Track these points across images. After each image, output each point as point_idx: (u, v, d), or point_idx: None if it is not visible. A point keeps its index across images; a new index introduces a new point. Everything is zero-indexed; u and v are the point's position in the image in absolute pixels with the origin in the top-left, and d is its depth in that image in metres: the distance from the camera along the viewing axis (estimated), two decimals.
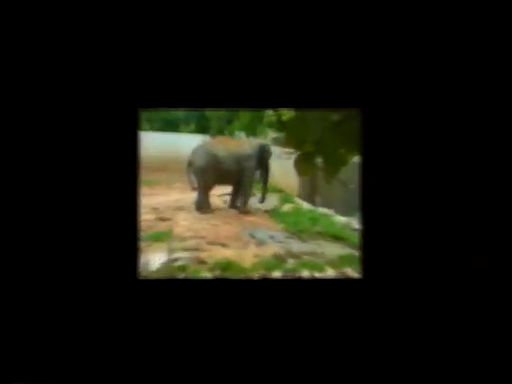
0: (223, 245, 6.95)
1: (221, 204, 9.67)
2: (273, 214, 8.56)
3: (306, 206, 9.55)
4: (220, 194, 11.85)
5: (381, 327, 3.70)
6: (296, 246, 6.64)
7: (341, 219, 7.69)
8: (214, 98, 4.16)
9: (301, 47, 3.83)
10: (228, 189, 11.54)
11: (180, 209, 8.72)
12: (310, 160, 3.73)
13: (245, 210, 8.82)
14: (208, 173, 8.87)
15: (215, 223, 8.00)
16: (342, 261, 5.27)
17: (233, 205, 9.07)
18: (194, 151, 8.94)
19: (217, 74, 3.97)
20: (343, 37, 3.74)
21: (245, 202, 8.88)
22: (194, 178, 8.96)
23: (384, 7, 3.76)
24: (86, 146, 3.91)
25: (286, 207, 8.91)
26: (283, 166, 12.51)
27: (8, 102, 3.80)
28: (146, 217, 7.07)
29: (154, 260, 5.92)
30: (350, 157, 3.32)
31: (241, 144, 9.34)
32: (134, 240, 4.04)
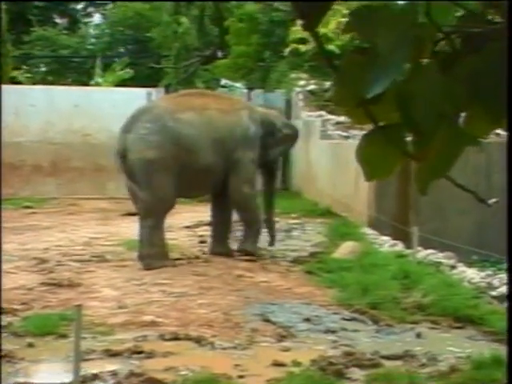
0: (200, 340, 4.66)
1: (191, 245, 8.07)
2: (311, 265, 6.86)
3: (386, 245, 7.66)
4: (193, 223, 10.22)
5: None
6: (367, 338, 4.77)
7: (468, 275, 5.80)
8: None
9: None
10: (203, 211, 9.68)
11: (98, 259, 7.12)
12: (396, 142, 1.30)
13: (248, 253, 7.20)
14: (164, 172, 6.70)
15: (181, 290, 5.89)
16: (478, 370, 4.00)
17: (218, 245, 7.42)
18: (130, 125, 6.78)
19: None
20: None
21: (246, 238, 7.40)
22: (131, 186, 6.96)
23: None
24: None
25: (344, 249, 7.18)
26: (333, 157, 11.01)
27: None
28: (18, 278, 6.08)
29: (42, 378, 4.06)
30: (489, 128, 1.23)
31: (232, 107, 7.42)
32: None
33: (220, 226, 7.31)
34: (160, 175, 6.61)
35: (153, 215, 6.65)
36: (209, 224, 7.76)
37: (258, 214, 7.34)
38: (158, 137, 6.65)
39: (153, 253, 6.61)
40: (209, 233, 7.76)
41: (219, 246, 7.26)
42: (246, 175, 7.08)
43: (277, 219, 9.89)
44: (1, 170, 11.14)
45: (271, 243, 7.45)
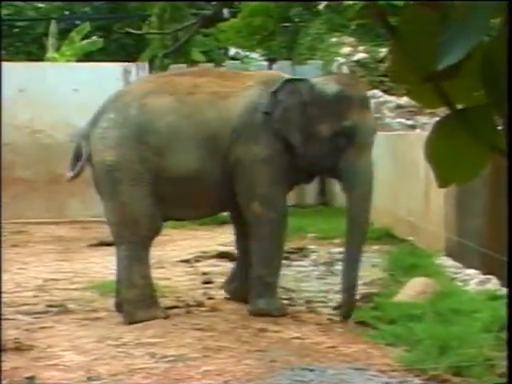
0: None
1: (191, 286, 8.29)
2: (364, 313, 6.90)
3: (473, 282, 7.69)
4: (193, 255, 10.66)
5: None
6: None
7: None
8: None
9: None
10: (207, 237, 10.22)
11: (58, 310, 7.21)
12: (481, 132, 1.32)
13: (263, 313, 6.91)
14: (132, 181, 6.88)
15: (177, 352, 5.89)
16: None
17: (238, 290, 7.40)
18: (98, 117, 7.04)
19: None
20: None
21: (257, 291, 6.99)
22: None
23: None
24: None
25: (412, 289, 7.19)
26: (392, 156, 11.10)
27: None
28: None
29: None
30: None
31: (239, 87, 7.24)
32: None
33: (245, 259, 7.19)
34: (126, 185, 6.60)
35: (126, 242, 6.64)
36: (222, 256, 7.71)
37: (276, 251, 6.90)
38: (118, 131, 6.64)
39: (134, 297, 6.63)
40: (215, 269, 7.79)
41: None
42: (253, 183, 6.73)
43: (313, 247, 9.92)
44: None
45: (345, 313, 6.80)
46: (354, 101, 6.85)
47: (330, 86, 6.87)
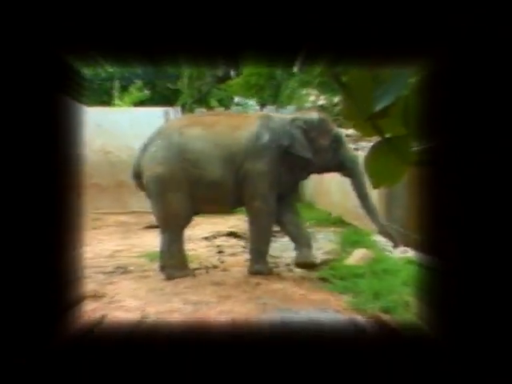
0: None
1: (210, 255, 7.99)
2: (325, 272, 6.76)
3: (396, 251, 7.51)
4: (211, 234, 10.27)
5: None
6: None
7: None
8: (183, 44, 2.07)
9: None
10: (221, 223, 9.71)
11: (122, 271, 7.15)
12: (401, 152, 0.26)
13: (259, 273, 6.86)
14: (174, 187, 6.73)
15: (200, 298, 5.88)
16: None
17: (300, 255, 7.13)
18: (147, 145, 6.92)
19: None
20: None
21: (255, 259, 6.94)
22: (149, 202, 6.96)
23: None
24: None
25: (356, 256, 7.13)
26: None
27: None
28: None
29: None
30: None
31: (244, 122, 7.20)
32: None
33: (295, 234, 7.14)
34: (170, 190, 6.55)
35: (169, 229, 6.63)
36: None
37: (267, 233, 6.91)
38: (165, 152, 6.60)
39: (173, 264, 6.62)
40: (226, 243, 7.69)
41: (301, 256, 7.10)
42: (256, 188, 6.73)
43: None
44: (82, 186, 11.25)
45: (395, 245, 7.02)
46: (327, 118, 7.13)
47: (312, 116, 7.02)
